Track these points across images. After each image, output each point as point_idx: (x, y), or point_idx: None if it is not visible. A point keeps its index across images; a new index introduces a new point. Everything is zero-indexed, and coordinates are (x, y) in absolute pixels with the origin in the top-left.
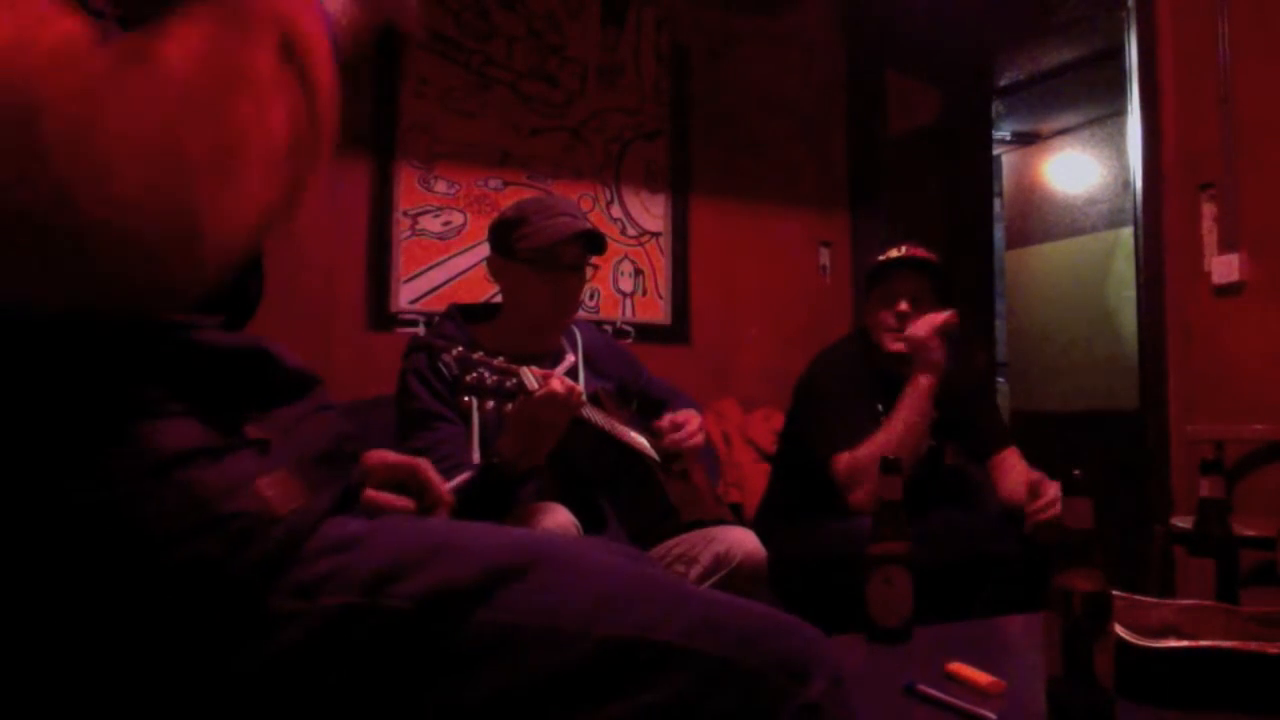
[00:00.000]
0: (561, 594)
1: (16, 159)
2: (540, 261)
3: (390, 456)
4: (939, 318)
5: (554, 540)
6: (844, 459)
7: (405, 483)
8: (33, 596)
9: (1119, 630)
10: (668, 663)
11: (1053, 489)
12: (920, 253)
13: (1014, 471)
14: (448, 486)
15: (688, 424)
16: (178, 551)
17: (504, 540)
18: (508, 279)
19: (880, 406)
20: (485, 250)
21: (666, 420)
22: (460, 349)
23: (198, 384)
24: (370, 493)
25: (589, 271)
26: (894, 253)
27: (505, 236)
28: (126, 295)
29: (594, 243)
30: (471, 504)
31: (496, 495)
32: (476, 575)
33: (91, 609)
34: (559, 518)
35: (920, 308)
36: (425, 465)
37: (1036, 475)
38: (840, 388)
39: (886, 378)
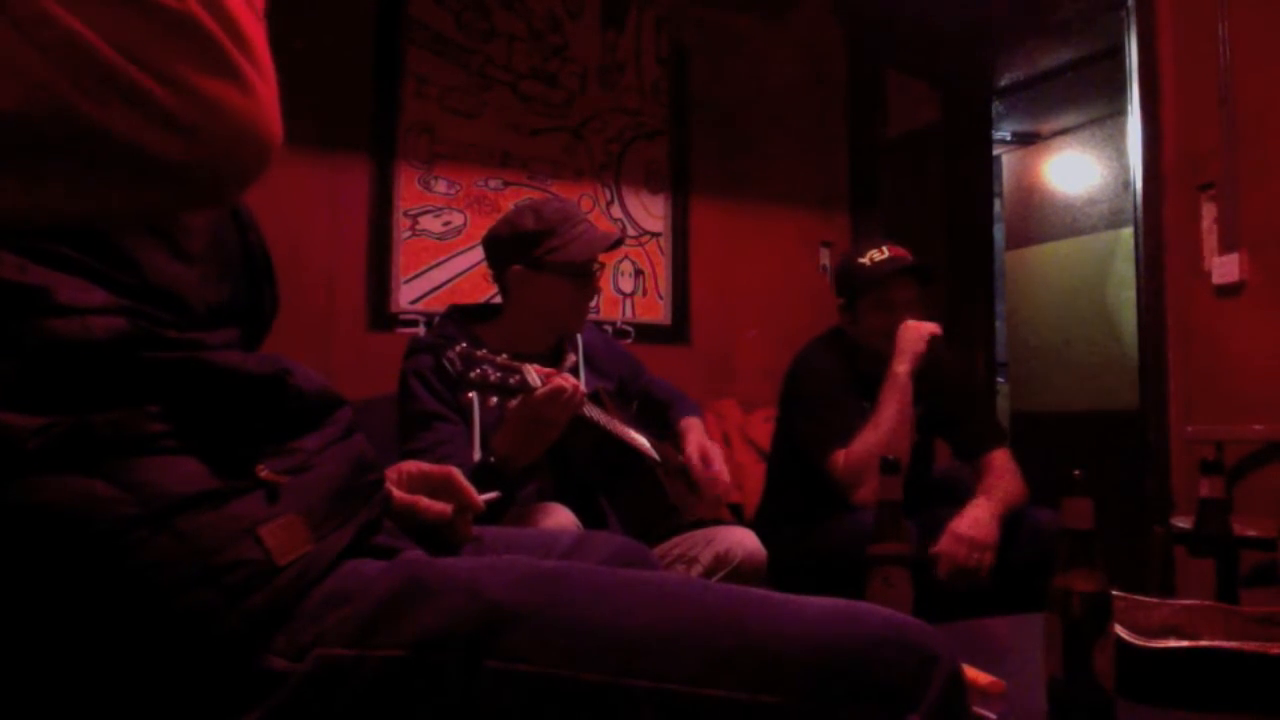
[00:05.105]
0: (586, 637)
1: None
2: (577, 273)
3: (425, 466)
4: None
5: (573, 572)
6: (840, 457)
7: (439, 490)
8: (30, 643)
9: (1119, 630)
10: None
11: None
12: (904, 254)
13: (997, 473)
14: (481, 498)
15: (721, 474)
16: (175, 602)
17: (514, 576)
18: (531, 289)
19: (866, 404)
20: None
21: (695, 454)
22: (464, 344)
23: (208, 416)
24: (408, 496)
25: None
26: (877, 254)
27: (529, 249)
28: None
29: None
30: None
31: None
32: (480, 612)
33: (88, 659)
34: (559, 518)
35: (913, 314)
36: (458, 473)
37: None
38: (827, 387)
39: (870, 379)
